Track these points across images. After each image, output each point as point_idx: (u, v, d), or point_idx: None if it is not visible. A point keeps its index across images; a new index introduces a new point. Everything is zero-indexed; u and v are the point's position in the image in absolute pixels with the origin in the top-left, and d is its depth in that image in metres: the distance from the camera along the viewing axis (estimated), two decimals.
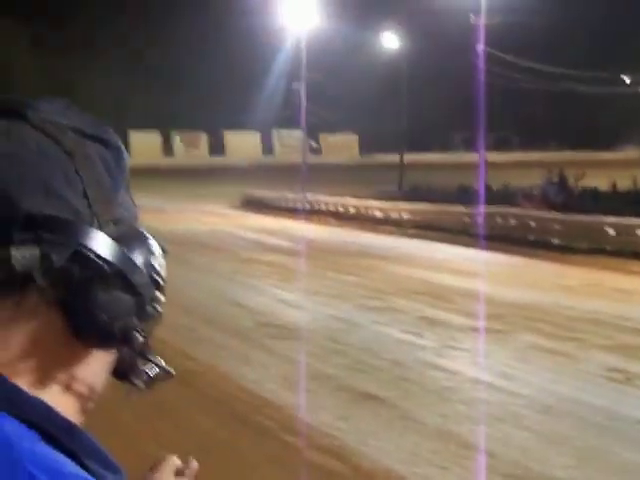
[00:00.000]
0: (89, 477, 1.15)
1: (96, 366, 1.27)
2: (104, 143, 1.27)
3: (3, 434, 1.14)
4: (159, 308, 1.33)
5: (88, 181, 1.23)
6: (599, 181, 43.80)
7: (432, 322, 16.53)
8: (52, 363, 1.24)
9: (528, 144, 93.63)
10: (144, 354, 1.35)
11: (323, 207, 44.39)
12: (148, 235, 1.32)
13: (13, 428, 1.15)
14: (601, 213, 28.60)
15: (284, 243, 31.74)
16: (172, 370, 1.38)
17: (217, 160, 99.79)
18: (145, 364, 1.36)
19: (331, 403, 11.34)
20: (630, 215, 27.59)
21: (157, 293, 1.32)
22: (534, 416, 10.89)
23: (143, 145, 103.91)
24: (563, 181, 42.81)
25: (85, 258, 1.21)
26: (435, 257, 27.50)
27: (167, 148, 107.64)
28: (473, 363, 13.48)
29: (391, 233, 35.34)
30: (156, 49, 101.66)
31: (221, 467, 8.74)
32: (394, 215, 38.73)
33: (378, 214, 39.80)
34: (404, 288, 20.75)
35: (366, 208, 41.33)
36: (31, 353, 1.23)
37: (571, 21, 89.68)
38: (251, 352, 14.30)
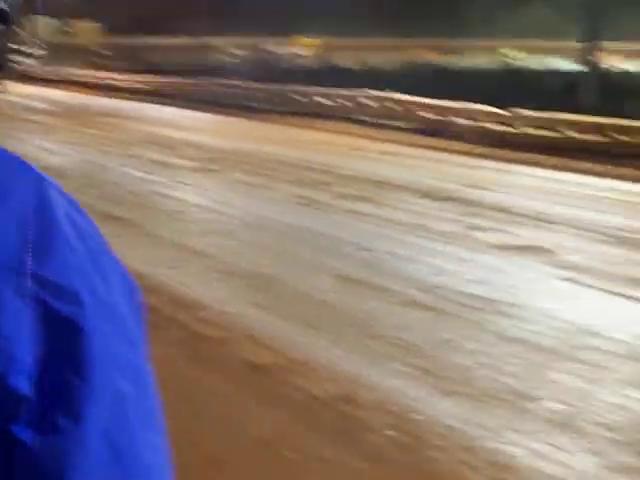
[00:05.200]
0: None
1: None
2: None
3: None
4: None
5: None
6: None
7: (163, 164, 16.49)
8: None
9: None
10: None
11: (75, 79, 43.11)
12: None
13: None
14: (293, 83, 28.91)
15: (46, 106, 30.76)
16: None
17: None
18: None
19: None
20: (312, 85, 28.07)
21: None
22: (243, 230, 11.12)
23: None
24: (264, 59, 42.84)
25: None
26: (163, 117, 27.25)
27: None
28: (196, 193, 13.57)
29: (127, 99, 34.73)
30: None
31: None
32: (129, 84, 38.07)
33: (117, 84, 39.00)
34: (140, 139, 20.54)
35: (107, 79, 40.45)
36: None
37: None
38: None
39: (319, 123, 24.50)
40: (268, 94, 29.28)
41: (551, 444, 5.27)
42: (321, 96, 26.75)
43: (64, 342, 0.84)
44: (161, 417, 0.90)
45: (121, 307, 0.93)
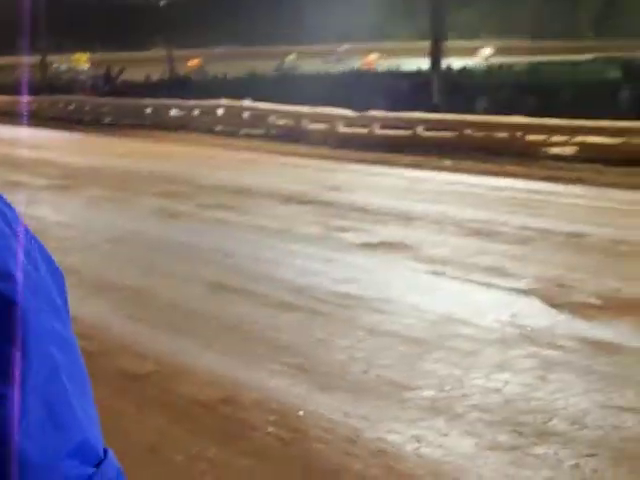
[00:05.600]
0: None
1: None
2: None
3: None
4: None
5: None
6: (137, 74, 43.65)
7: (19, 184, 16.15)
8: None
9: (80, 45, 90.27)
10: None
11: None
12: None
13: None
14: (140, 97, 28.77)
15: None
16: None
17: None
18: None
19: None
20: (161, 98, 27.96)
21: None
22: (107, 245, 11.03)
23: None
24: (108, 74, 42.49)
25: None
26: (12, 136, 26.67)
27: None
28: (55, 211, 13.37)
29: None
30: None
31: None
32: None
33: None
34: None
35: None
36: None
37: None
38: None
39: (174, 135, 24.40)
40: (119, 109, 29.02)
41: (431, 429, 5.44)
42: (174, 108, 26.65)
43: (1, 318, 0.90)
44: (89, 382, 0.97)
45: (48, 284, 1.00)
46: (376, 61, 46.94)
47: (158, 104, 27.40)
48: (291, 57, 52.28)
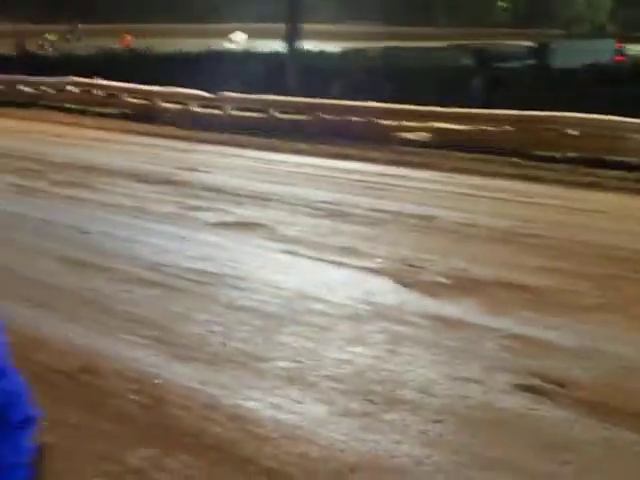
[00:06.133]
0: None
1: None
2: None
3: None
4: None
5: None
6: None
7: None
8: None
9: None
10: None
11: None
12: None
13: None
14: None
15: None
16: None
17: None
18: None
19: None
20: (11, 73, 27.08)
21: None
22: None
23: None
24: None
25: None
26: None
27: None
28: None
29: None
30: None
31: None
32: None
33: None
34: None
35: None
36: None
37: None
38: None
39: (25, 112, 23.98)
40: None
41: (286, 397, 5.72)
42: (24, 84, 26.13)
43: None
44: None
45: None
46: (132, 42, 46.55)
47: (7, 80, 26.74)
48: (49, 36, 51.82)
